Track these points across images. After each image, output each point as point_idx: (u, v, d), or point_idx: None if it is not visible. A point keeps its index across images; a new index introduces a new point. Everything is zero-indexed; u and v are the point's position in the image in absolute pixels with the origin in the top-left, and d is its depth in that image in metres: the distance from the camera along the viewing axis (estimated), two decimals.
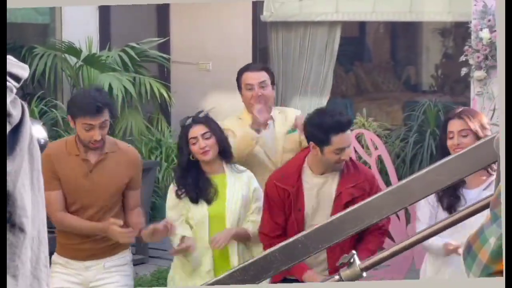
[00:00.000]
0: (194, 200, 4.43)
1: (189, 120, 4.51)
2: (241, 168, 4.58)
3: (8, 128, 1.05)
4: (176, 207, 4.51)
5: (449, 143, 4.30)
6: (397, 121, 9.40)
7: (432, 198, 4.32)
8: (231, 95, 9.12)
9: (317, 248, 1.36)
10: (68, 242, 4.42)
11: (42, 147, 1.16)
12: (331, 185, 4.35)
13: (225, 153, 4.50)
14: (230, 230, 4.40)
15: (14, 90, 1.08)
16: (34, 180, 1.11)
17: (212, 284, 1.41)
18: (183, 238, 4.39)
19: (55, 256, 4.46)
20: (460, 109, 4.41)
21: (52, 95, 8.26)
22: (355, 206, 1.35)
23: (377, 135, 6.82)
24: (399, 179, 6.53)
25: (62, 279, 4.42)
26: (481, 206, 1.40)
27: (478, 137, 4.22)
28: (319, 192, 4.36)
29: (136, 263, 6.73)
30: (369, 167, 6.38)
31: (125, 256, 4.51)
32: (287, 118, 4.97)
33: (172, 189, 4.57)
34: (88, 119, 4.26)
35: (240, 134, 4.81)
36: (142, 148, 8.11)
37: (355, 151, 6.40)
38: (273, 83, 4.97)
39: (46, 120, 7.76)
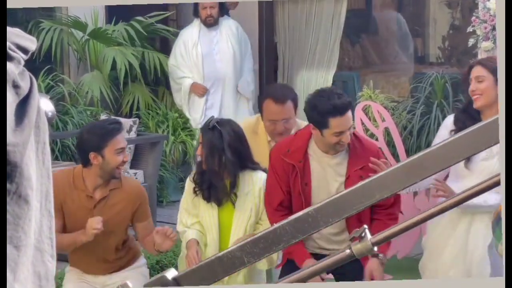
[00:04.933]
0: (207, 198, 4.38)
1: (203, 123, 4.48)
2: (255, 165, 4.43)
3: (17, 99, 1.06)
4: (190, 208, 4.47)
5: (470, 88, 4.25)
6: (404, 93, 9.38)
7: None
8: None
9: (327, 222, 1.36)
10: (81, 260, 4.39)
11: (50, 120, 1.16)
12: (339, 166, 4.26)
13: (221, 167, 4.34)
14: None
15: (22, 62, 1.08)
16: (39, 152, 1.11)
17: (223, 256, 1.42)
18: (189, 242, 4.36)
19: (69, 268, 4.46)
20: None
21: (58, 70, 8.25)
22: (366, 180, 1.35)
23: (384, 107, 6.80)
24: (406, 151, 6.53)
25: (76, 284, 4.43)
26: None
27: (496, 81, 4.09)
28: (326, 170, 4.27)
29: None
30: (376, 139, 6.39)
31: (140, 261, 4.54)
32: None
33: (189, 186, 4.50)
34: (118, 141, 4.21)
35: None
36: (149, 122, 8.12)
37: (362, 123, 6.39)
38: (296, 106, 4.77)
39: (53, 95, 7.76)
